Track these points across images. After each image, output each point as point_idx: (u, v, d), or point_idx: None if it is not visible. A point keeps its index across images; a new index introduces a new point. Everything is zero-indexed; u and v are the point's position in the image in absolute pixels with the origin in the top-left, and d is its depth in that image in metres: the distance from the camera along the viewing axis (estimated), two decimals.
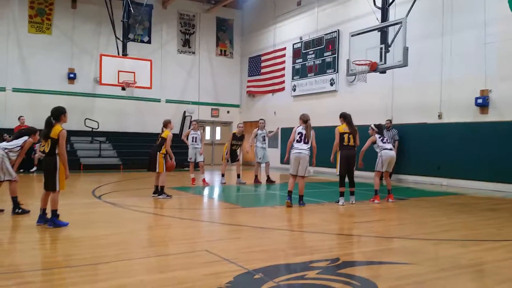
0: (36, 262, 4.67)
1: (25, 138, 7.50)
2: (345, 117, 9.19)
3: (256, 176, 13.30)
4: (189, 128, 13.64)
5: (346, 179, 9.18)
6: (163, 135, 9.74)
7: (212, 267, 4.43)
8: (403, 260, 4.80)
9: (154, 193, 9.78)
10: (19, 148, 7.40)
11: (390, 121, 14.59)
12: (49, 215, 6.37)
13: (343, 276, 4.17)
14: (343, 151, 9.04)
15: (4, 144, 7.48)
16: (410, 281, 4.10)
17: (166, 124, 9.95)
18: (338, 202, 9.04)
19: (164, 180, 9.70)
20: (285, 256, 5.05)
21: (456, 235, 6.25)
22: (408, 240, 5.91)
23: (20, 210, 7.27)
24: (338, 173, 9.23)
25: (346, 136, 9.01)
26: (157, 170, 9.58)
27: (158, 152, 9.62)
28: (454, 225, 7.10)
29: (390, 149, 9.75)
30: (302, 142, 8.67)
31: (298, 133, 8.75)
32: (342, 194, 9.06)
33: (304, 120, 8.78)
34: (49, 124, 6.39)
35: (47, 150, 6.34)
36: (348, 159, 9.04)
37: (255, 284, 3.93)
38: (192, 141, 12.40)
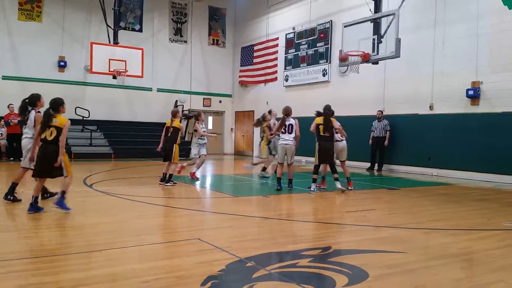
0: (27, 250, 4.64)
1: (33, 113, 7.27)
2: (320, 114, 9.46)
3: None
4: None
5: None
6: (175, 125, 10.08)
7: (205, 256, 4.44)
8: (394, 248, 4.85)
9: (161, 180, 10.09)
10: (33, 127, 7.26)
11: (381, 112, 14.64)
12: (33, 202, 6.45)
13: (334, 264, 4.20)
14: (320, 142, 9.36)
15: (28, 131, 7.28)
16: (400, 269, 4.14)
17: (175, 114, 10.33)
18: (310, 187, 9.38)
19: (174, 169, 10.09)
20: (277, 244, 5.06)
21: (446, 225, 6.31)
22: (399, 229, 5.96)
23: (11, 197, 7.22)
24: (315, 162, 9.56)
25: (321, 127, 9.30)
26: (172, 160, 9.95)
27: (174, 144, 10.00)
28: (444, 214, 7.18)
29: (340, 141, 9.91)
30: (287, 133, 9.28)
31: (289, 125, 9.33)
32: (314, 180, 9.43)
33: (287, 113, 9.36)
34: (48, 116, 6.49)
35: (50, 138, 6.41)
36: (325, 150, 9.31)
37: (247, 272, 3.95)
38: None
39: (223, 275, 3.84)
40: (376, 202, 8.61)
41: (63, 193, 6.55)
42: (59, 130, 6.42)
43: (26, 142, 7.20)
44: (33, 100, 7.31)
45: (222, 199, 8.69)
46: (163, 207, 7.50)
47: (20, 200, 7.26)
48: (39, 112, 7.25)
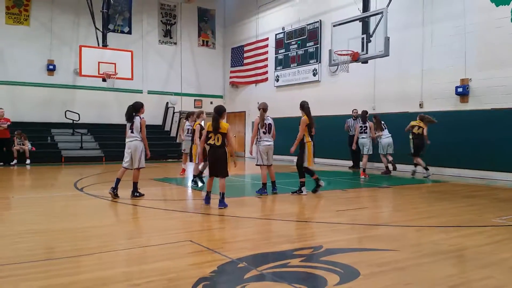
0: (17, 255, 4.59)
1: (138, 119, 8.27)
2: (303, 107, 8.96)
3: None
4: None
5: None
6: (194, 126, 10.57)
7: (196, 257, 4.43)
8: (385, 246, 4.86)
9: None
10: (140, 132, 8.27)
11: (357, 110, 14.54)
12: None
13: (326, 263, 4.20)
14: (313, 142, 8.99)
15: (136, 135, 8.27)
16: (392, 267, 4.15)
17: (199, 115, 10.79)
18: (301, 192, 8.91)
19: (196, 168, 10.34)
20: (268, 244, 5.06)
21: (437, 222, 6.35)
22: (390, 227, 5.98)
23: (138, 194, 8.33)
24: (308, 165, 8.95)
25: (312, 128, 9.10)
26: (191, 161, 10.75)
27: (193, 145, 10.52)
28: (435, 211, 7.21)
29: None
30: (267, 133, 8.98)
31: (269, 124, 8.98)
32: (318, 180, 9.06)
33: (265, 109, 9.02)
34: (216, 121, 7.37)
35: (218, 144, 7.32)
36: (314, 150, 9.04)
37: (239, 272, 3.94)
38: (187, 132, 12.11)
39: (215, 277, 3.83)
40: (367, 200, 8.64)
41: (223, 195, 7.33)
42: (223, 135, 7.30)
43: (136, 144, 8.31)
44: (137, 108, 8.43)
45: (213, 200, 8.65)
46: (154, 209, 7.46)
47: (144, 194, 8.39)
48: (143, 118, 8.37)
